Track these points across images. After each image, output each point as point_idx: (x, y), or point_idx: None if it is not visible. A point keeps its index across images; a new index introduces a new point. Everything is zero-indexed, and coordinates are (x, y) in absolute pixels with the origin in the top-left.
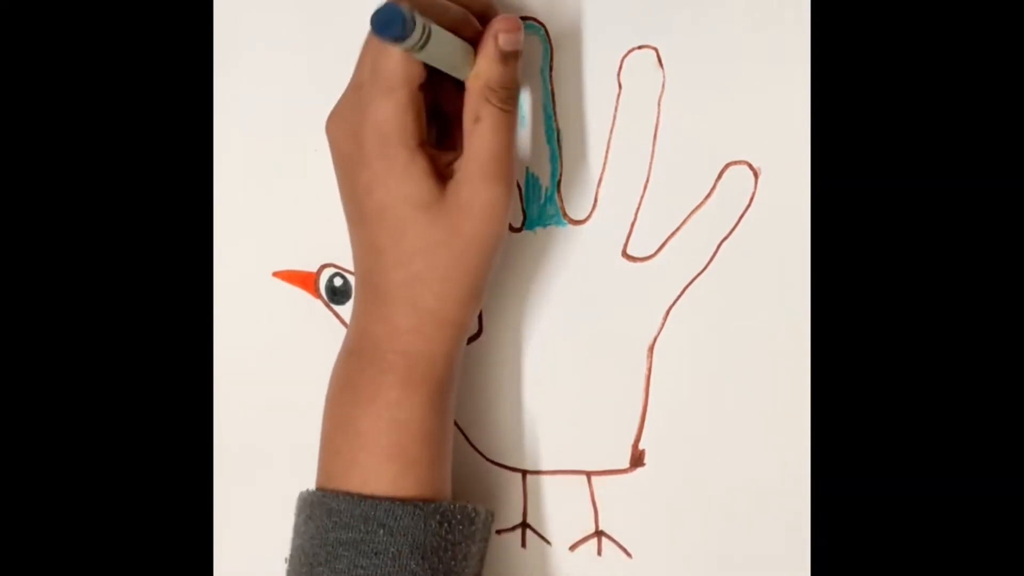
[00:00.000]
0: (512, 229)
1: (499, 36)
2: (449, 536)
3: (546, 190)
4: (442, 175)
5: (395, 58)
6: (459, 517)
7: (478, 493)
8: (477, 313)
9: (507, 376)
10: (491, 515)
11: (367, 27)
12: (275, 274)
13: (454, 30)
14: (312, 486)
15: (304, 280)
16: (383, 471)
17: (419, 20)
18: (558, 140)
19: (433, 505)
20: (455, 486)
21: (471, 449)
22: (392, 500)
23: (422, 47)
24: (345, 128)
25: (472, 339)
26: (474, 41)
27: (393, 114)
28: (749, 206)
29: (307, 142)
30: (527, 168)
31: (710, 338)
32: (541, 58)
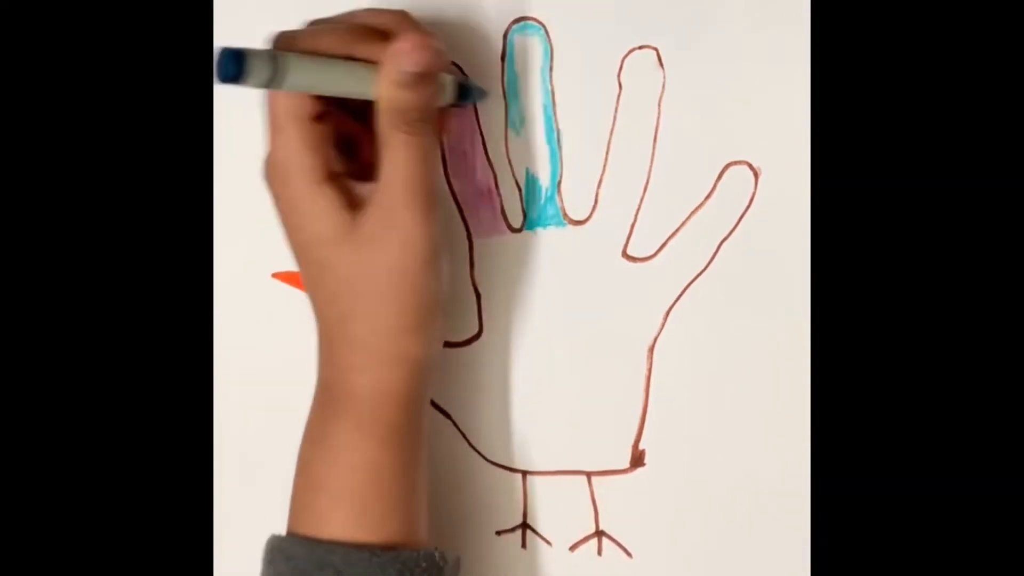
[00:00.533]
0: (512, 229)
1: (399, 58)
2: None
3: (546, 190)
4: (356, 203)
5: (276, 94)
6: (423, 565)
7: (477, 494)
8: (429, 347)
9: (507, 376)
10: (457, 560)
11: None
12: (275, 275)
13: (348, 54)
14: None
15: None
16: (335, 516)
17: (255, 57)
18: (558, 140)
19: (393, 553)
20: (455, 488)
21: (471, 450)
22: (348, 546)
23: (279, 82)
24: (265, 177)
25: (472, 339)
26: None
27: (286, 152)
28: (749, 206)
29: None
30: (527, 168)
31: (710, 338)
32: (541, 58)
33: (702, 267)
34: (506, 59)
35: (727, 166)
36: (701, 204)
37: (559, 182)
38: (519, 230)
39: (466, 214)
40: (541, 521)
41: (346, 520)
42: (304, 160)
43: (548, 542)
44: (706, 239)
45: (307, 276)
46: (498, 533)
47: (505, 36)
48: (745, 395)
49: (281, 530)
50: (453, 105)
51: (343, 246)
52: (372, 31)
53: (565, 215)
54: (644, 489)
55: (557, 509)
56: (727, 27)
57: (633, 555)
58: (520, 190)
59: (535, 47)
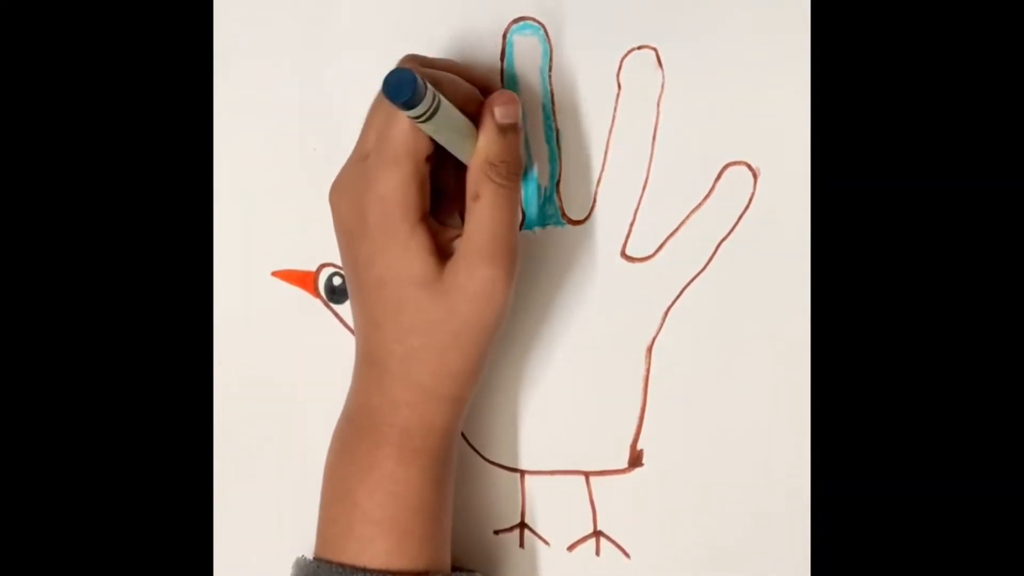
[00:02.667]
0: None
1: (495, 110)
2: None
3: (545, 190)
4: (443, 252)
5: (402, 129)
6: None
7: (476, 493)
8: (475, 389)
9: (506, 376)
10: None
11: (367, 26)
12: (274, 273)
13: (461, 107)
14: (312, 485)
15: (303, 279)
16: (378, 543)
17: (430, 88)
18: (557, 140)
19: None
20: (454, 487)
21: (470, 449)
22: (385, 573)
23: (429, 117)
24: (348, 198)
25: None
26: (475, 118)
27: (397, 186)
28: (748, 206)
29: (307, 142)
30: (526, 168)
31: (709, 338)
32: (541, 58)
33: (701, 267)
34: (505, 59)
35: (726, 166)
36: (700, 204)
37: (558, 182)
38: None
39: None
40: (539, 521)
41: (388, 548)
42: (412, 197)
43: (546, 542)
44: (705, 239)
45: (376, 312)
46: (496, 532)
47: (505, 36)
48: (744, 395)
49: (281, 529)
50: None
51: (426, 290)
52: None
53: (564, 215)
54: (642, 489)
55: (555, 509)
56: (727, 27)
57: (631, 555)
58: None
59: (535, 47)
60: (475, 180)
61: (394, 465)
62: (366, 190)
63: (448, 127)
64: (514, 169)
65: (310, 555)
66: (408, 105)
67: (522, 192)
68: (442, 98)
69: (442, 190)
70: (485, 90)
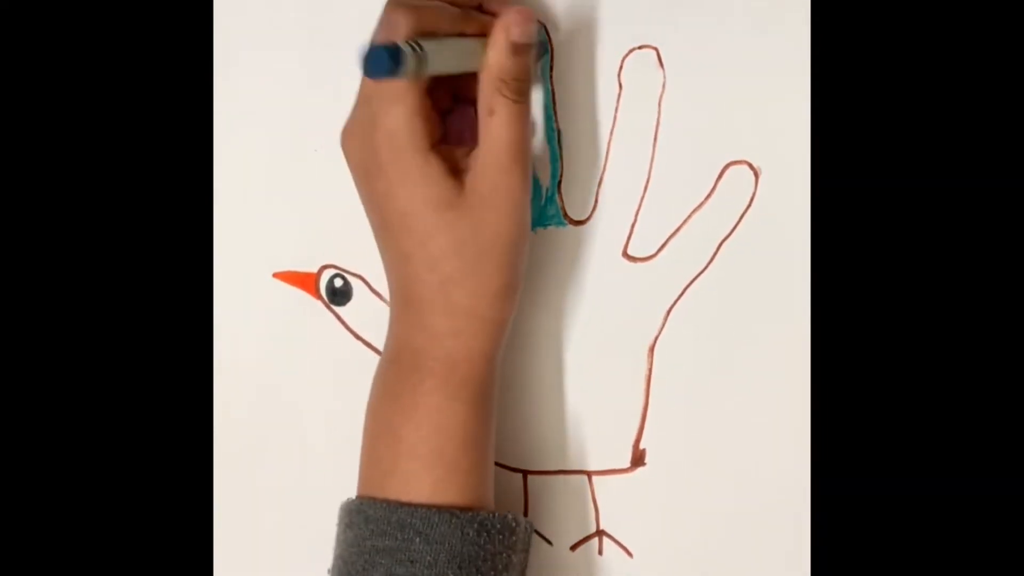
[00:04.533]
0: None
1: (510, 28)
2: (488, 546)
3: (546, 190)
4: (458, 171)
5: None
6: (499, 527)
7: None
8: (514, 310)
9: (507, 376)
10: (531, 526)
11: (367, 26)
12: (275, 275)
13: (458, 31)
14: (312, 485)
15: (304, 281)
16: (423, 478)
17: (407, 52)
18: (558, 140)
19: (471, 514)
20: None
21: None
22: (430, 508)
23: (420, 70)
24: (358, 140)
25: None
26: (484, 32)
27: (403, 120)
28: (749, 206)
29: (308, 142)
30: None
31: (710, 338)
32: (541, 58)
33: (702, 267)
34: None
35: (727, 166)
36: (701, 204)
37: (559, 182)
38: None
39: None
40: (542, 520)
41: (433, 482)
42: (419, 128)
43: (549, 542)
44: (706, 239)
45: (405, 244)
46: None
47: None
48: (745, 395)
49: (281, 529)
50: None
51: (450, 211)
52: (472, 8)
53: (566, 215)
54: (645, 488)
55: (558, 508)
56: (727, 27)
57: (634, 554)
58: None
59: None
60: (488, 96)
61: (440, 398)
62: (374, 129)
63: (447, 61)
64: (527, 86)
65: (310, 556)
66: (391, 75)
67: None
68: (429, 44)
69: (459, 101)
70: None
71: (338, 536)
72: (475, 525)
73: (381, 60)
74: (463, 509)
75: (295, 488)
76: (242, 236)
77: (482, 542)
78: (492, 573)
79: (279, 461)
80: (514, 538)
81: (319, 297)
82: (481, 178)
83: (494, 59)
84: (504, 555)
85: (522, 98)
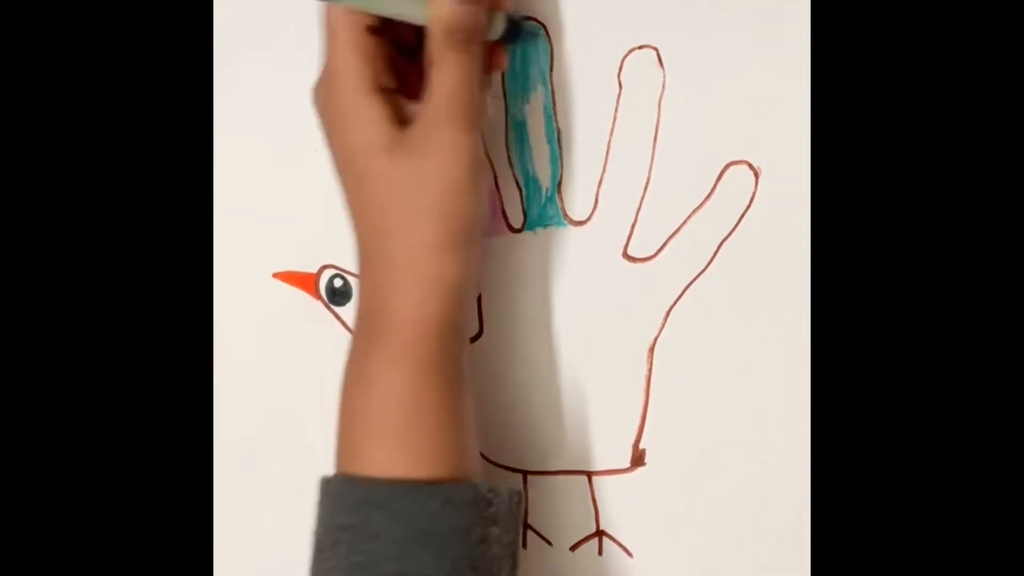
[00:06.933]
0: (512, 230)
1: None
2: (458, 520)
3: (546, 191)
4: (405, 120)
5: (335, 8)
6: (469, 498)
7: None
8: (467, 271)
9: (507, 376)
10: (516, 495)
11: None
12: (275, 275)
13: None
14: (312, 485)
15: (304, 281)
16: (379, 450)
17: None
18: (558, 140)
19: (433, 486)
20: None
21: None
22: (388, 482)
23: None
24: (317, 90)
25: (473, 339)
26: None
27: (341, 58)
28: (749, 206)
29: (307, 142)
30: (527, 168)
31: (710, 338)
32: (541, 58)
33: (702, 267)
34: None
35: (727, 166)
36: (701, 204)
37: (559, 182)
38: (519, 230)
39: None
40: (542, 521)
41: (388, 454)
42: (357, 68)
43: (549, 542)
44: (706, 239)
45: (350, 189)
46: None
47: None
48: (745, 395)
49: (281, 528)
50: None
51: (389, 156)
52: None
53: (565, 215)
54: (645, 489)
55: (558, 509)
56: (727, 27)
57: (634, 555)
58: (520, 190)
59: (535, 47)
60: (433, 50)
61: (385, 364)
62: (324, 75)
63: (384, 2)
64: (474, 35)
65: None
66: None
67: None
68: None
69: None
70: None
71: (315, 513)
72: (439, 498)
73: None
74: (432, 482)
75: (295, 488)
76: (242, 236)
77: (449, 515)
78: (464, 548)
79: (279, 461)
80: (492, 509)
81: (319, 297)
82: (420, 128)
83: (437, 8)
84: (478, 528)
85: (466, 49)
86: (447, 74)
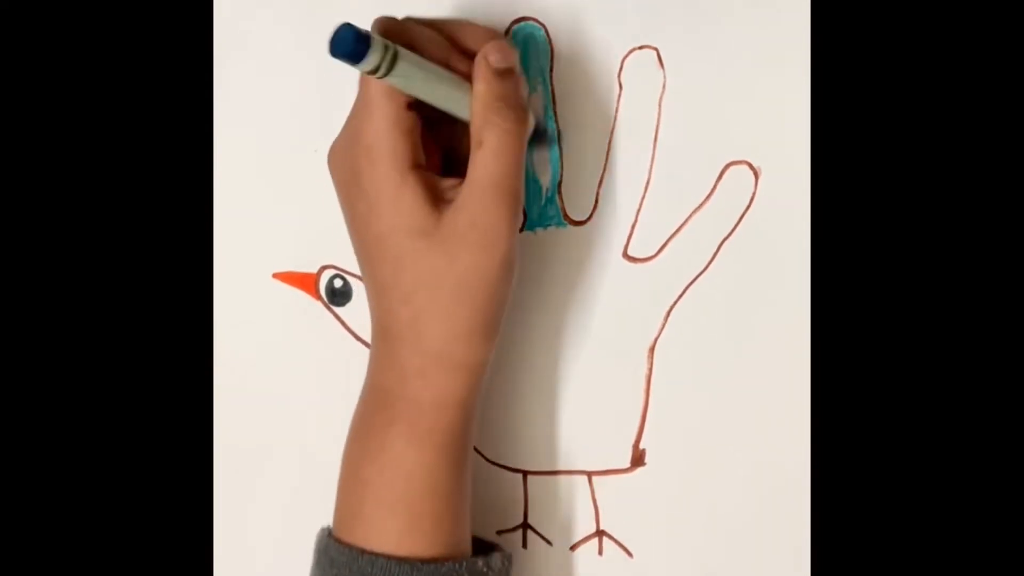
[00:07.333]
0: None
1: (489, 57)
2: None
3: (546, 191)
4: (442, 202)
5: (375, 80)
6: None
7: (479, 494)
8: (490, 356)
9: (507, 376)
10: (508, 559)
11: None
12: (275, 275)
13: (444, 62)
14: (314, 486)
15: (304, 281)
16: (387, 526)
17: (378, 40)
18: (559, 141)
19: (434, 566)
20: None
21: (472, 450)
22: (392, 558)
23: (388, 71)
24: (340, 157)
25: None
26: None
27: (380, 134)
28: (749, 206)
29: (308, 143)
30: (527, 168)
31: (710, 338)
32: (541, 58)
33: (702, 267)
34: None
35: (727, 166)
36: (701, 204)
37: (559, 182)
38: (519, 231)
39: None
40: (542, 521)
41: (398, 531)
42: (397, 144)
43: (549, 542)
44: (706, 239)
45: (378, 269)
46: (499, 533)
47: (507, 35)
48: (745, 395)
49: (282, 529)
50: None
51: (426, 241)
52: (466, 49)
53: (565, 215)
54: (645, 489)
55: (558, 509)
56: (727, 27)
57: (634, 555)
58: None
59: (535, 47)
60: (478, 128)
61: (405, 445)
62: (354, 144)
63: (423, 80)
64: (518, 111)
65: (309, 556)
66: (352, 58)
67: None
68: (401, 49)
69: (452, 155)
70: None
71: (312, 567)
72: None
73: (346, 38)
74: (429, 560)
75: (295, 488)
76: (242, 236)
77: None
78: None
79: (279, 461)
80: None
81: (319, 297)
82: (461, 211)
83: (480, 87)
84: None
85: (515, 124)
86: (489, 155)
